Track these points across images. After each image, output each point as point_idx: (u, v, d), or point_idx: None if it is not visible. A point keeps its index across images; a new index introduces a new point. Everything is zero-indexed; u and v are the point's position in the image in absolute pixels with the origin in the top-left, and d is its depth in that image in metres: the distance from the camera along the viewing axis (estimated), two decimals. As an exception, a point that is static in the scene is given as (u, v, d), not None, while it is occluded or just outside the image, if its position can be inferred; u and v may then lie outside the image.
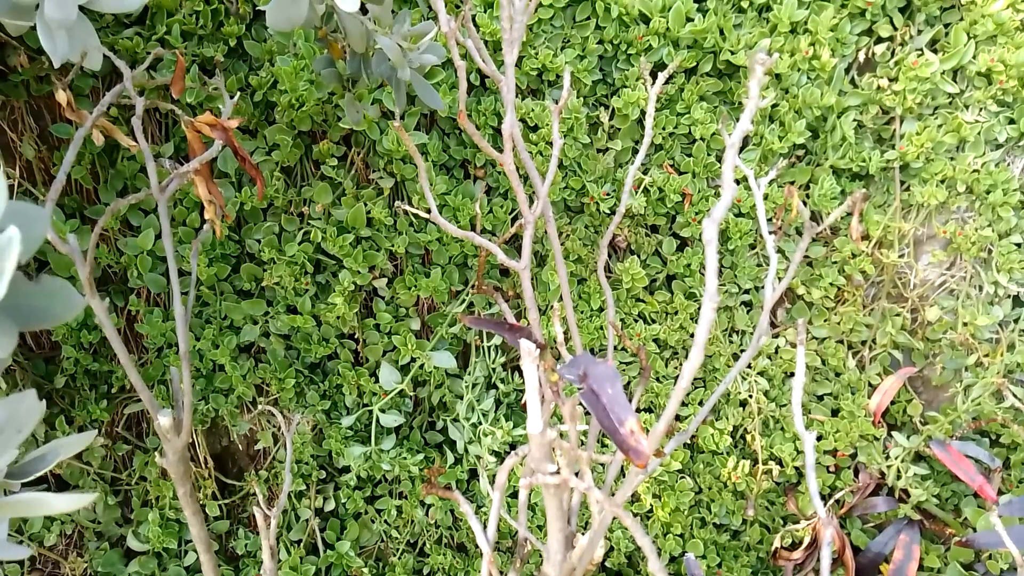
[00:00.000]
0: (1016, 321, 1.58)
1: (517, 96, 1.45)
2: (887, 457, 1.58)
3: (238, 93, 1.22)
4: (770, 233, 0.99)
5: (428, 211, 0.95)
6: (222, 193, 1.20)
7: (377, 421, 1.57)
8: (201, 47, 1.44)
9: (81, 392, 1.62)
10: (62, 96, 0.95)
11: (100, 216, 1.50)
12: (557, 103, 1.45)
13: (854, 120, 1.51)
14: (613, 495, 0.80)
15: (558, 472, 0.56)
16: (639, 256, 1.56)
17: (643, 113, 1.49)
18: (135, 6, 0.75)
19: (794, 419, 0.79)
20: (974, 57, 1.45)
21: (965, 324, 1.58)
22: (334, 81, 1.06)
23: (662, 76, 1.01)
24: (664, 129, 1.49)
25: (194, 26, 1.43)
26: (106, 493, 1.67)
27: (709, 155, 1.50)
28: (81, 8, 0.75)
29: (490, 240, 1.52)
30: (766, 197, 1.51)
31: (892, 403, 1.64)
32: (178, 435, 0.97)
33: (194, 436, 1.66)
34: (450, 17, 0.88)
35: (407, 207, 1.02)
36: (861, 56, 1.50)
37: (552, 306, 1.56)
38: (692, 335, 1.60)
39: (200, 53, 1.44)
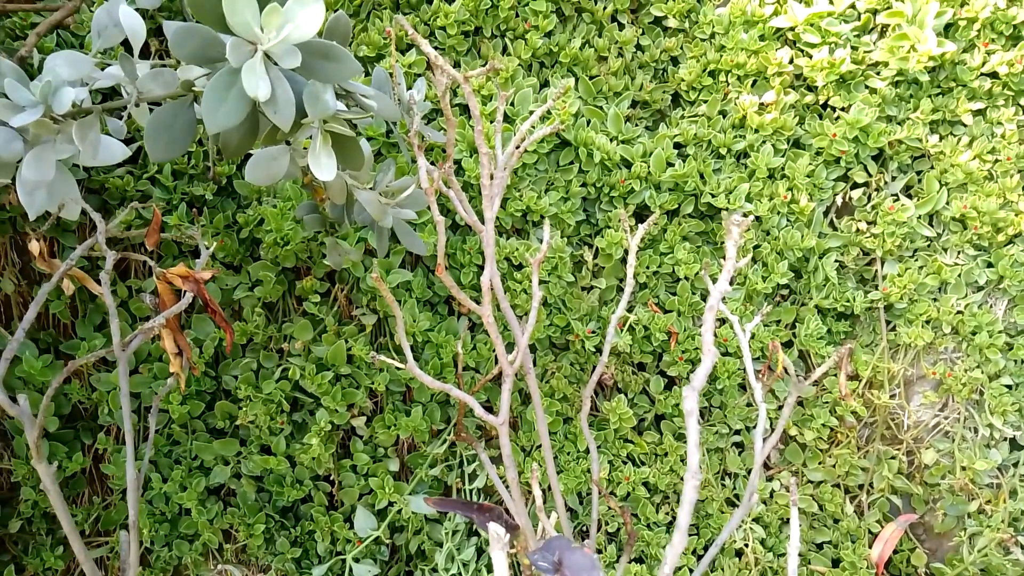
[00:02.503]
0: (1015, 465, 1.53)
1: (502, 235, 1.46)
2: (894, 614, 1.49)
3: (214, 243, 1.22)
4: (757, 381, 0.96)
5: (404, 361, 0.92)
6: (189, 344, 1.17)
7: (350, 571, 1.47)
8: (191, 186, 1.46)
9: (36, 537, 1.53)
10: (35, 247, 0.95)
11: (75, 352, 1.47)
12: (541, 243, 1.46)
13: (836, 261, 1.52)
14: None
15: (530, 676, 0.51)
16: (626, 395, 1.53)
17: (627, 252, 1.50)
18: (117, 159, 0.76)
19: (791, 589, 0.74)
20: (947, 203, 1.48)
21: (963, 468, 1.53)
22: (317, 225, 1.07)
23: (642, 227, 1.02)
24: (648, 268, 1.50)
25: (185, 166, 1.46)
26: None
27: (693, 294, 1.50)
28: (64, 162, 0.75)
29: (474, 377, 1.49)
30: (753, 336, 1.50)
31: (895, 552, 1.56)
32: None
33: (153, 586, 1.55)
34: (433, 168, 0.90)
35: (381, 357, 0.99)
36: (839, 200, 1.54)
37: (538, 446, 1.51)
38: (683, 478, 1.54)
39: (190, 192, 1.46)
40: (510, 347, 1.43)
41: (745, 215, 1.45)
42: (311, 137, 0.76)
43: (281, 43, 0.61)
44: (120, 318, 1.47)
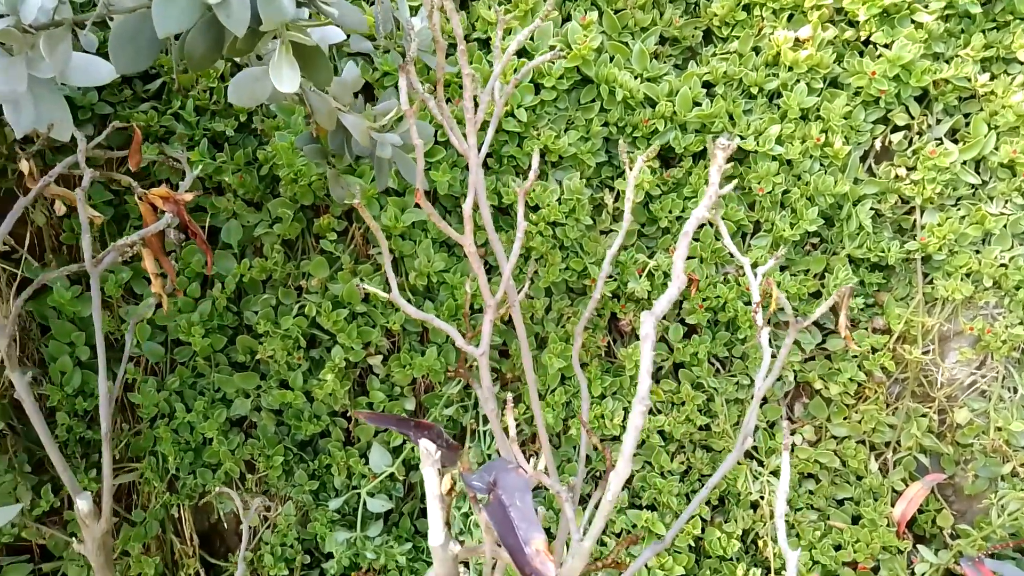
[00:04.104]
0: (1055, 428, 1.46)
1: (518, 175, 1.44)
2: (912, 573, 1.44)
3: (194, 169, 1.22)
4: (764, 324, 0.93)
5: (389, 291, 0.91)
6: (175, 267, 1.19)
7: (365, 505, 1.50)
8: (213, 122, 1.47)
9: (72, 460, 1.60)
10: (25, 166, 0.97)
11: (103, 283, 1.51)
12: (559, 185, 1.43)
13: (871, 209, 1.45)
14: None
15: (461, 592, 0.50)
16: (644, 342, 1.50)
17: (649, 196, 1.46)
18: (103, 80, 0.76)
19: (777, 534, 0.71)
20: (996, 148, 1.39)
21: (999, 429, 1.46)
22: (318, 157, 1.06)
23: (640, 159, 0.98)
24: (671, 213, 1.45)
25: (207, 102, 1.47)
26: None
27: (717, 240, 1.45)
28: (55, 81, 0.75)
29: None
30: (778, 285, 1.45)
31: (920, 512, 1.51)
32: (97, 521, 0.92)
33: (180, 511, 1.61)
34: (429, 96, 0.87)
35: (365, 285, 0.99)
36: (878, 144, 1.46)
37: (552, 390, 1.50)
38: (700, 428, 1.51)
39: (211, 128, 1.47)
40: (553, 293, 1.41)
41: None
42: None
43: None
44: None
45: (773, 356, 0.89)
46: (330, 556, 1.58)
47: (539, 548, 0.46)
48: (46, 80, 0.72)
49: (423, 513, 1.60)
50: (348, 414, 1.55)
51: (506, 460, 0.50)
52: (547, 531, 1.39)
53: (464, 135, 0.80)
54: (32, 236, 1.51)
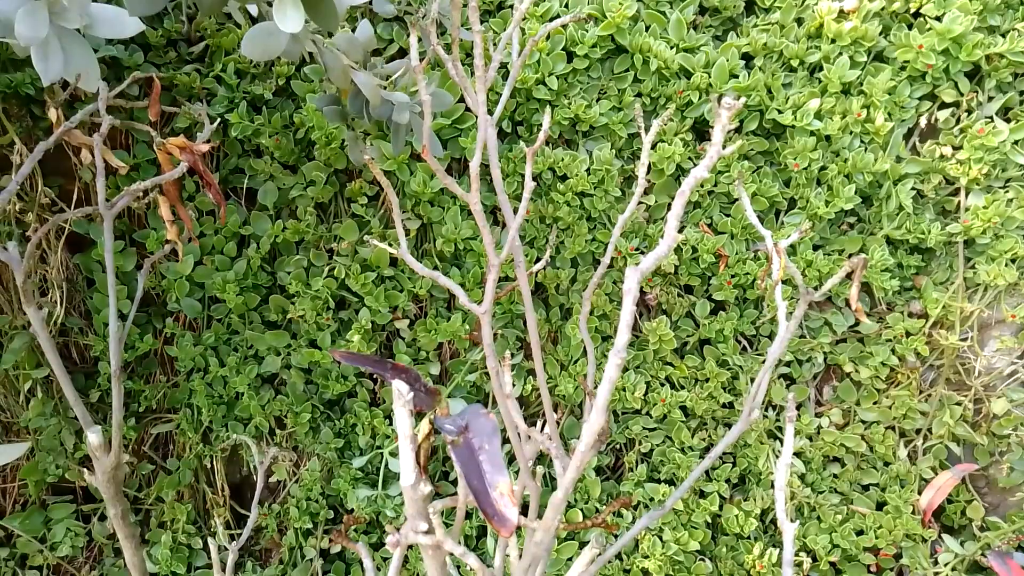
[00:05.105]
0: (1099, 423, 1.40)
1: (548, 144, 1.43)
2: (935, 563, 1.41)
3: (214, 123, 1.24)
4: (778, 288, 0.91)
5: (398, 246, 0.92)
6: (191, 216, 1.22)
7: (387, 465, 1.54)
8: (252, 85, 1.50)
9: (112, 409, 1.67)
10: (53, 114, 1.00)
11: (146, 240, 1.57)
12: (590, 156, 1.42)
13: (913, 189, 1.40)
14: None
15: (431, 531, 0.51)
16: (670, 317, 1.49)
17: (681, 169, 1.44)
18: (128, 33, 0.79)
19: (776, 506, 0.71)
20: (1050, 127, 1.32)
21: (1037, 421, 1.41)
22: (337, 118, 1.07)
23: (656, 122, 0.97)
24: (703, 187, 1.43)
25: (248, 65, 1.50)
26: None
27: (749, 216, 1.43)
28: (80, 32, 0.78)
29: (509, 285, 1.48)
30: (810, 264, 1.42)
31: (949, 502, 1.47)
32: (107, 454, 0.96)
33: (213, 462, 1.68)
34: (448, 57, 0.88)
35: (375, 242, 1.00)
36: (923, 121, 1.41)
37: (575, 361, 1.50)
38: (723, 405, 1.50)
39: (251, 90, 1.50)
40: (579, 264, 1.41)
41: (736, 98, 1.34)
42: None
43: None
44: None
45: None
46: (352, 512, 1.63)
47: (503, 491, 0.47)
48: (72, 31, 0.75)
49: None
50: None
51: (479, 406, 0.51)
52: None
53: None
54: (79, 192, 1.57)
